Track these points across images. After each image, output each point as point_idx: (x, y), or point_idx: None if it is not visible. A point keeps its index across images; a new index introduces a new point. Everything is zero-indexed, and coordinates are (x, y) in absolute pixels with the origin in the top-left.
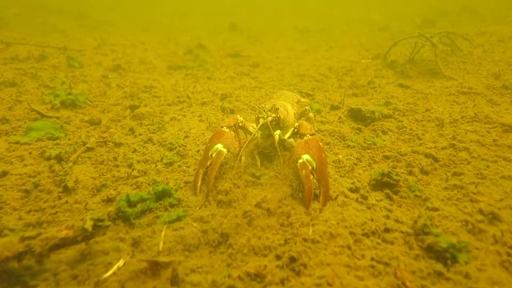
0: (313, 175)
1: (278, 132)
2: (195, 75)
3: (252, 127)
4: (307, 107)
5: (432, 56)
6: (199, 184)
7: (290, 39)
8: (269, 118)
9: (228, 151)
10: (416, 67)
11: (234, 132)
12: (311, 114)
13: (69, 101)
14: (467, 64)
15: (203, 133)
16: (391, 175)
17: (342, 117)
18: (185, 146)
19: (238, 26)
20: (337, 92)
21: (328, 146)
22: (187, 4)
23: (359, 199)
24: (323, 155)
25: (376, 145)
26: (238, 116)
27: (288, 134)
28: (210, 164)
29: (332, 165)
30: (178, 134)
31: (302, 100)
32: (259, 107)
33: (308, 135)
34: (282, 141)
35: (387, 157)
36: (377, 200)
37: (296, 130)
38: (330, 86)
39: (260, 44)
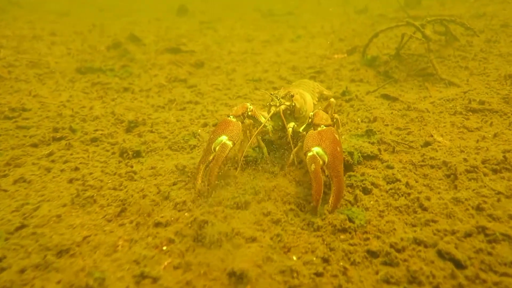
0: (324, 171)
1: (292, 124)
2: (107, 84)
3: (264, 117)
4: (331, 101)
5: (422, 49)
6: (199, 181)
7: (250, 26)
8: (282, 107)
9: (234, 144)
10: (404, 65)
11: (242, 123)
12: (332, 101)
13: None
14: (468, 60)
15: (58, 217)
16: None
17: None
18: None
19: (189, 9)
20: None
21: (275, 226)
22: None
23: None
24: (338, 149)
25: (353, 223)
26: (248, 104)
27: (303, 126)
28: (213, 158)
29: (277, 281)
30: None
31: (325, 92)
32: (271, 94)
33: (322, 125)
34: (296, 133)
35: (373, 255)
36: None
37: (310, 120)
38: None
39: (213, 33)
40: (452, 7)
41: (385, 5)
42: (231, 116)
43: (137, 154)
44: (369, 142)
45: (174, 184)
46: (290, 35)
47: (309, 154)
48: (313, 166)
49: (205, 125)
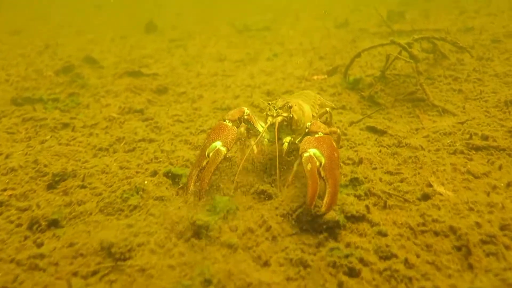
0: (320, 173)
1: (288, 138)
2: (41, 120)
3: (261, 125)
4: (327, 110)
5: (409, 68)
6: (191, 187)
7: (223, 43)
8: (279, 118)
9: (228, 150)
10: (390, 87)
11: (237, 128)
12: (329, 110)
13: None
14: (461, 81)
15: None
16: None
17: (274, 227)
18: None
19: (159, 25)
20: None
21: None
22: None
23: None
24: (335, 155)
25: None
26: (245, 108)
27: (300, 138)
28: (206, 164)
29: None
30: None
31: (328, 103)
32: (269, 104)
33: (320, 133)
34: (293, 145)
35: None
36: None
37: (307, 130)
38: None
39: (182, 52)
40: (437, 20)
41: (366, 19)
42: (227, 121)
43: (54, 224)
44: (354, 195)
45: (94, 273)
46: (267, 53)
47: (305, 154)
48: (309, 166)
49: (154, 173)
